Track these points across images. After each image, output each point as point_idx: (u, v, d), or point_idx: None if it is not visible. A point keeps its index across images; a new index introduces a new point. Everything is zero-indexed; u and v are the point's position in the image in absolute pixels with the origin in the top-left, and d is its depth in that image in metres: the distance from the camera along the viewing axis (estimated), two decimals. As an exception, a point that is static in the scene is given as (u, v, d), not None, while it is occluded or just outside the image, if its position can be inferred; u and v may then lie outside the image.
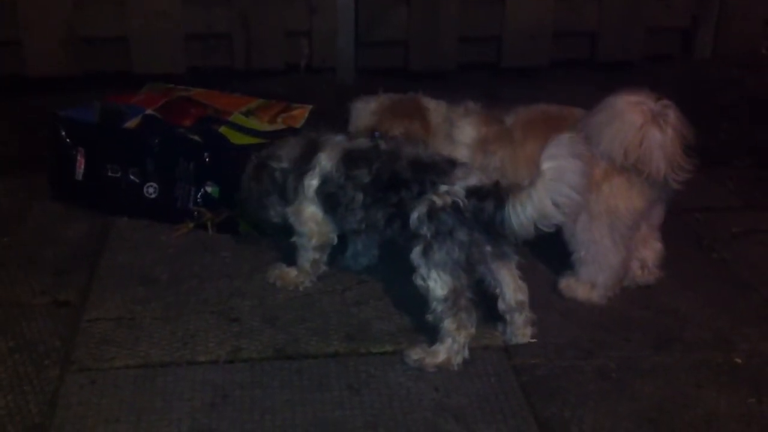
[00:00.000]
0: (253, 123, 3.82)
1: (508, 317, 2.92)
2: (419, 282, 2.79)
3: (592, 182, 2.89)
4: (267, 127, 3.81)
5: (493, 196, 2.69)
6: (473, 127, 3.27)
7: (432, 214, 2.74)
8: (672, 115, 2.88)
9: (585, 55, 5.40)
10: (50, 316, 3.04)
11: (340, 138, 3.12)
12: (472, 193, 2.72)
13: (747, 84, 5.05)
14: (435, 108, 3.35)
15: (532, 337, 2.94)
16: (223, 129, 3.72)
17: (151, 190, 3.65)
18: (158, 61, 4.87)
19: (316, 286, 3.24)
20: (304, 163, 3.08)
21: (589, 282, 3.14)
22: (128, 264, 3.36)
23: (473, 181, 2.75)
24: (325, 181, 3.03)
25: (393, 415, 2.63)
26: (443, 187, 2.75)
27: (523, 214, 2.62)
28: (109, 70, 4.90)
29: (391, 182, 2.88)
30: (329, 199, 3.04)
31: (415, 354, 2.83)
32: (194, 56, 4.96)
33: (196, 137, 3.62)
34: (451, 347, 2.80)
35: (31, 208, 3.77)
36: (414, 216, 2.78)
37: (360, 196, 2.95)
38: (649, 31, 5.33)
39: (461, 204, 2.71)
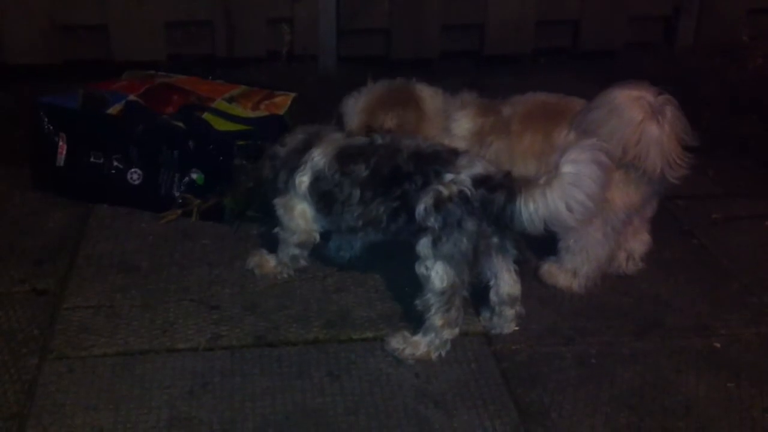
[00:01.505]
0: (237, 110, 3.81)
1: (497, 309, 2.90)
2: (422, 270, 2.74)
3: None
4: (250, 114, 3.80)
5: (503, 188, 2.64)
6: (470, 118, 3.21)
7: (439, 204, 2.67)
8: (670, 110, 2.84)
9: (567, 44, 5.39)
10: (29, 304, 3.02)
11: (337, 135, 3.04)
12: (480, 182, 2.67)
13: (728, 72, 5.05)
14: (430, 97, 3.29)
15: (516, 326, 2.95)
16: (206, 115, 3.70)
17: (135, 176, 3.62)
18: (139, 49, 4.82)
19: (296, 272, 3.23)
20: (296, 158, 3.00)
21: (572, 270, 3.13)
22: (108, 252, 3.34)
23: (479, 169, 2.70)
24: (317, 178, 2.94)
25: (373, 401, 2.63)
26: (448, 176, 2.69)
27: (535, 212, 2.58)
28: (89, 58, 4.85)
29: (392, 175, 2.79)
30: (324, 198, 2.96)
31: (395, 342, 2.81)
32: (175, 44, 4.91)
33: (180, 124, 3.60)
34: (432, 341, 2.78)
35: (11, 197, 3.74)
36: (420, 208, 2.70)
37: (357, 192, 2.86)
38: (631, 20, 5.33)
39: (469, 193, 2.65)
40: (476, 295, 2.91)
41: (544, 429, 2.55)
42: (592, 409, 2.62)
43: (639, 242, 3.22)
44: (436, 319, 2.75)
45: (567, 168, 2.54)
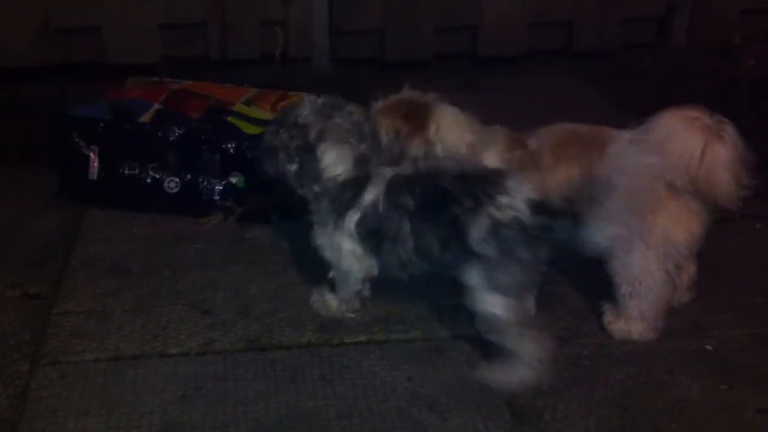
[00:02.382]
0: (257, 112, 3.81)
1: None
2: (479, 306, 2.62)
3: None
4: (270, 116, 3.77)
5: (567, 214, 2.55)
6: (497, 154, 2.96)
7: (495, 230, 2.52)
8: (729, 130, 2.66)
9: (562, 44, 5.39)
10: (21, 309, 3.02)
11: (387, 168, 2.80)
12: (537, 208, 2.53)
13: (722, 73, 5.06)
14: (448, 123, 3.02)
15: None
16: (230, 119, 3.70)
17: (172, 185, 3.61)
18: (133, 51, 4.81)
19: (289, 276, 3.23)
20: (349, 196, 2.77)
21: (639, 316, 2.90)
22: (101, 256, 3.34)
23: (531, 194, 2.55)
24: (366, 215, 2.75)
25: (367, 404, 2.63)
26: (503, 199, 2.53)
27: (602, 234, 2.52)
28: (83, 59, 4.85)
29: (440, 200, 2.62)
30: (372, 236, 2.77)
31: (493, 376, 2.68)
32: (169, 46, 4.91)
33: (211, 128, 3.61)
34: (530, 364, 2.64)
35: (4, 200, 3.73)
36: (474, 233, 2.54)
37: (407, 225, 2.68)
38: (625, 20, 5.34)
39: (525, 220, 2.51)
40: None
41: (538, 431, 2.55)
42: (586, 411, 2.62)
43: (686, 273, 3.03)
44: (523, 345, 2.62)
45: (621, 180, 2.50)
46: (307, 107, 2.82)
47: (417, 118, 3.02)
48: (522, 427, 2.56)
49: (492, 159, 2.97)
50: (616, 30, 5.33)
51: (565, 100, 4.59)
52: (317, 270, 3.24)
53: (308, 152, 2.78)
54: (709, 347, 2.92)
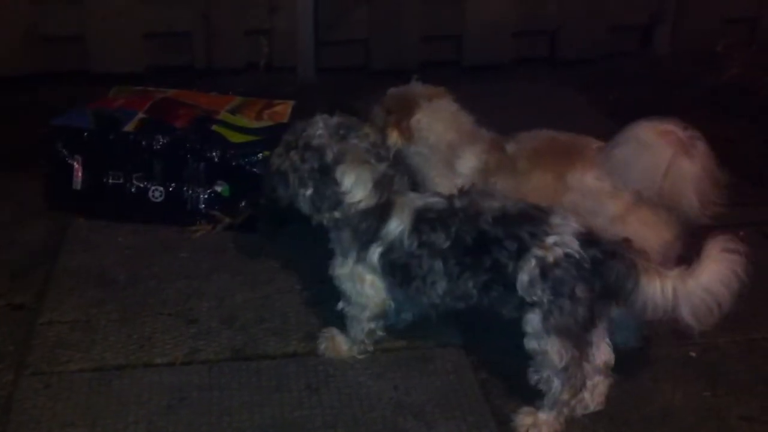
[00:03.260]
0: (243, 120, 3.81)
1: (588, 382, 2.61)
2: (533, 346, 2.49)
3: (616, 216, 2.73)
4: (255, 124, 3.79)
5: (623, 258, 2.41)
6: (476, 155, 2.97)
7: (546, 272, 2.41)
8: (700, 145, 2.64)
9: (546, 52, 5.43)
10: (4, 319, 3.00)
11: (412, 195, 2.68)
12: (589, 243, 2.43)
13: (704, 80, 5.10)
14: (430, 114, 3.02)
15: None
16: (216, 128, 3.70)
17: (156, 194, 3.60)
18: (117, 60, 4.82)
19: (274, 285, 3.23)
20: (371, 226, 2.63)
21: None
22: (85, 266, 3.33)
23: (578, 227, 2.46)
24: (391, 248, 2.62)
25: (352, 414, 2.63)
26: (551, 239, 2.42)
27: (662, 300, 2.36)
28: (67, 68, 4.85)
29: (479, 243, 2.50)
30: (399, 271, 2.63)
31: (523, 424, 2.57)
32: (154, 55, 4.92)
33: (196, 137, 3.61)
34: (561, 413, 2.57)
35: (-14, 211, 3.72)
36: (524, 279, 2.43)
37: (440, 265, 2.55)
38: (608, 28, 5.38)
39: (578, 256, 2.40)
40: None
41: (523, 440, 2.56)
42: (570, 419, 2.62)
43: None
44: (565, 395, 2.52)
45: (711, 268, 2.36)
46: (320, 127, 2.67)
47: (400, 112, 3.01)
48: (508, 435, 2.57)
49: (471, 161, 2.96)
50: (599, 38, 5.38)
51: (550, 107, 4.60)
52: (303, 279, 3.26)
53: (325, 175, 2.63)
54: (693, 354, 2.94)
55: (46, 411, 2.59)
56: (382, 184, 2.63)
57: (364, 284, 2.71)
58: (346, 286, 2.74)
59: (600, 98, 4.89)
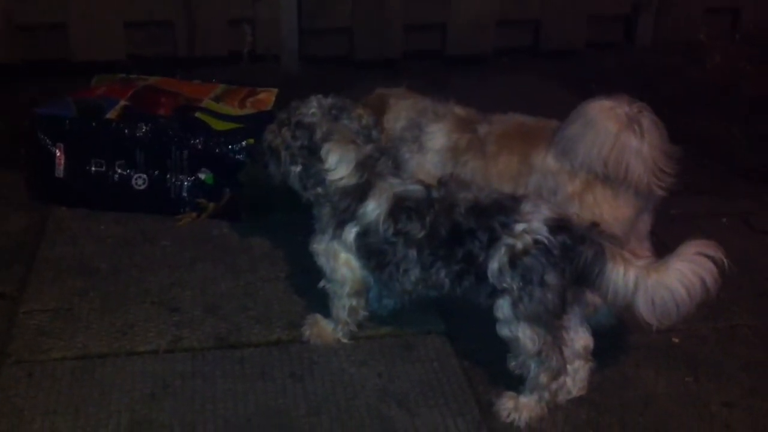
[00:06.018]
0: (226, 108, 3.80)
1: (569, 367, 2.63)
2: (506, 333, 2.51)
3: (573, 194, 2.76)
4: (239, 112, 3.79)
5: (592, 243, 2.42)
6: (445, 134, 3.04)
7: (515, 260, 2.43)
8: (646, 119, 2.70)
9: (529, 43, 5.44)
10: (-14, 309, 2.98)
11: (392, 180, 2.69)
12: (558, 228, 2.44)
13: (687, 71, 5.13)
14: (395, 106, 3.15)
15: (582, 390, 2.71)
16: (199, 115, 3.68)
17: (140, 181, 3.58)
18: (98, 49, 4.78)
19: (258, 274, 3.22)
20: (349, 205, 2.67)
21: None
22: (67, 255, 3.30)
23: (549, 213, 2.47)
24: (366, 231, 2.65)
25: (336, 401, 2.63)
26: (519, 227, 2.44)
27: (625, 289, 2.38)
28: (48, 57, 4.80)
29: (452, 235, 2.53)
30: (374, 256, 2.67)
31: (506, 409, 2.59)
32: (135, 44, 4.88)
33: (179, 125, 3.59)
34: (542, 398, 2.57)
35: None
36: (493, 267, 2.46)
37: (413, 254, 2.59)
38: (591, 19, 5.39)
39: (547, 242, 2.42)
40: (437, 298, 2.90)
41: (506, 426, 2.56)
42: (553, 406, 2.63)
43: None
44: (542, 378, 2.53)
45: (677, 267, 2.38)
46: (313, 106, 2.72)
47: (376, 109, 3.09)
48: (490, 422, 2.58)
49: (440, 138, 3.02)
50: (582, 29, 5.39)
51: (532, 97, 4.60)
52: (286, 268, 3.25)
53: (312, 154, 2.68)
54: (675, 341, 2.95)
55: (28, 399, 2.57)
56: (364, 165, 2.67)
57: (338, 261, 2.73)
58: (322, 261, 2.78)
59: (582, 88, 4.89)
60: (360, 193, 2.66)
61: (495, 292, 2.50)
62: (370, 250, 2.67)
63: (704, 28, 5.44)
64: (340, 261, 2.74)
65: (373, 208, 2.64)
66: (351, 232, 2.67)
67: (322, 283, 2.85)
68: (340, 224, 2.69)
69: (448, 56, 5.28)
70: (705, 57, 5.23)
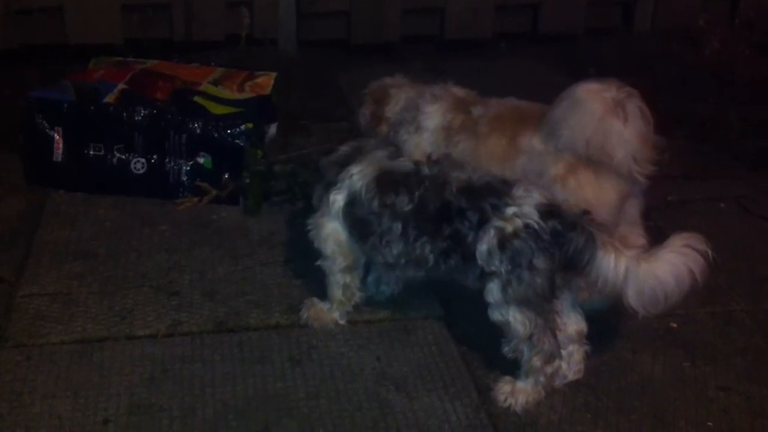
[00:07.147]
0: (224, 92, 3.79)
1: (563, 351, 2.64)
2: (497, 317, 2.53)
3: (556, 177, 2.77)
4: (238, 96, 3.79)
5: (582, 230, 2.43)
6: (440, 114, 3.09)
7: (504, 243, 2.43)
8: (632, 104, 2.70)
9: (527, 28, 5.42)
10: (-17, 293, 2.98)
11: (380, 153, 2.75)
12: (549, 214, 2.45)
13: (686, 56, 5.11)
14: (395, 96, 3.23)
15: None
16: (198, 99, 3.66)
17: (138, 165, 3.57)
18: (95, 33, 4.75)
19: (256, 258, 3.22)
20: (333, 173, 2.74)
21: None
22: (65, 239, 3.30)
23: (540, 199, 2.48)
24: (353, 201, 2.67)
25: (334, 385, 2.64)
26: (509, 210, 2.45)
27: (615, 276, 2.39)
28: (45, 41, 4.78)
29: (441, 212, 2.54)
30: (359, 225, 2.69)
31: (503, 394, 2.60)
32: (132, 27, 4.85)
33: (178, 109, 3.59)
34: (538, 381, 2.58)
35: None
36: (482, 249, 2.46)
37: (398, 227, 2.60)
38: (589, 4, 5.38)
39: (537, 226, 2.42)
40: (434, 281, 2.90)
41: (504, 410, 2.57)
42: (551, 390, 2.64)
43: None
44: (536, 361, 2.54)
45: (667, 258, 2.39)
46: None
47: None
48: (488, 406, 2.59)
49: (433, 116, 3.08)
50: (580, 14, 5.38)
51: (530, 82, 4.58)
52: (285, 252, 3.25)
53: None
54: (673, 325, 2.96)
55: (27, 383, 2.58)
56: (358, 145, 2.79)
57: (323, 231, 2.76)
58: (312, 234, 2.81)
59: (580, 73, 4.87)
60: (346, 160, 2.74)
61: (484, 275, 2.51)
62: (354, 219, 2.69)
63: (703, 13, 5.42)
64: (326, 231, 2.76)
65: (358, 176, 2.66)
66: (337, 201, 2.70)
67: (319, 261, 2.86)
68: (326, 189, 2.74)
69: (447, 40, 5.27)
70: (704, 43, 5.21)
